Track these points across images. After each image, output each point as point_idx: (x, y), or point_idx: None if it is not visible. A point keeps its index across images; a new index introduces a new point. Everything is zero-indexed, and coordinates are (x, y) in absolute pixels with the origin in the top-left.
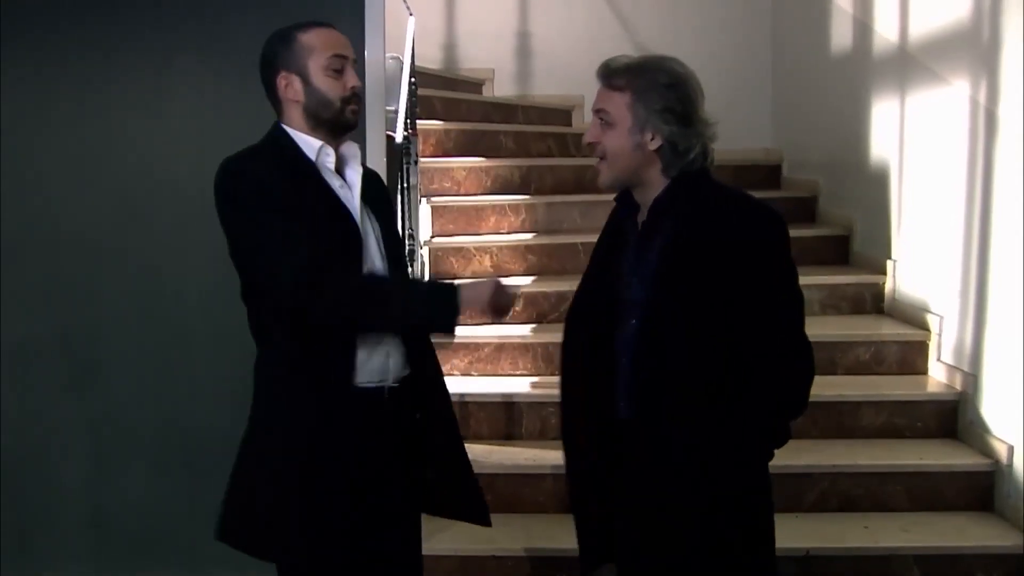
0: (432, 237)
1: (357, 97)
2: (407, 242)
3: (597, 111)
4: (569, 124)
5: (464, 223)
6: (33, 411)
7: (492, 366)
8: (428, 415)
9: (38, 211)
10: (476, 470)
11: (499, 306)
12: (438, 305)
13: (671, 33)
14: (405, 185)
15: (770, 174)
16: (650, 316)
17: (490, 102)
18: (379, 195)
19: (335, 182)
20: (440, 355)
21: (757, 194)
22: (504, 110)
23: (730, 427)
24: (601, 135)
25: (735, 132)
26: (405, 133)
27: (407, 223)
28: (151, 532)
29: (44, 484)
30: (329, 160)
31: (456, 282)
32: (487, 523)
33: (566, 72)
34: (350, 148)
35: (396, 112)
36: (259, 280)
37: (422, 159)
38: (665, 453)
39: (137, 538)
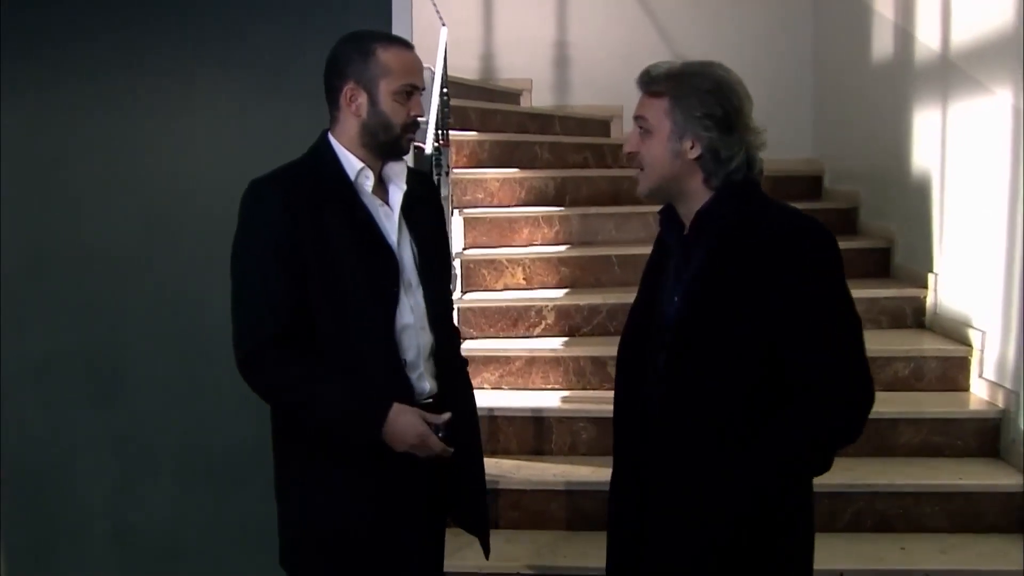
0: (464, 249)
1: (417, 125)
2: None
3: (637, 118)
4: (607, 135)
5: (497, 235)
6: (57, 426)
7: (523, 380)
8: (454, 433)
9: (64, 227)
10: (504, 485)
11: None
12: (358, 428)
13: (710, 42)
14: None
15: (811, 185)
16: (683, 334)
17: (526, 112)
18: (427, 206)
19: (375, 203)
20: (471, 368)
21: (797, 205)
22: (541, 120)
23: (764, 455)
24: (640, 144)
25: (776, 142)
26: (436, 144)
27: None
28: (174, 546)
29: (68, 498)
30: (368, 183)
31: (393, 411)
32: (486, 543)
33: (604, 82)
34: (396, 165)
35: (425, 123)
36: None
37: (455, 170)
38: (690, 479)
39: (160, 552)
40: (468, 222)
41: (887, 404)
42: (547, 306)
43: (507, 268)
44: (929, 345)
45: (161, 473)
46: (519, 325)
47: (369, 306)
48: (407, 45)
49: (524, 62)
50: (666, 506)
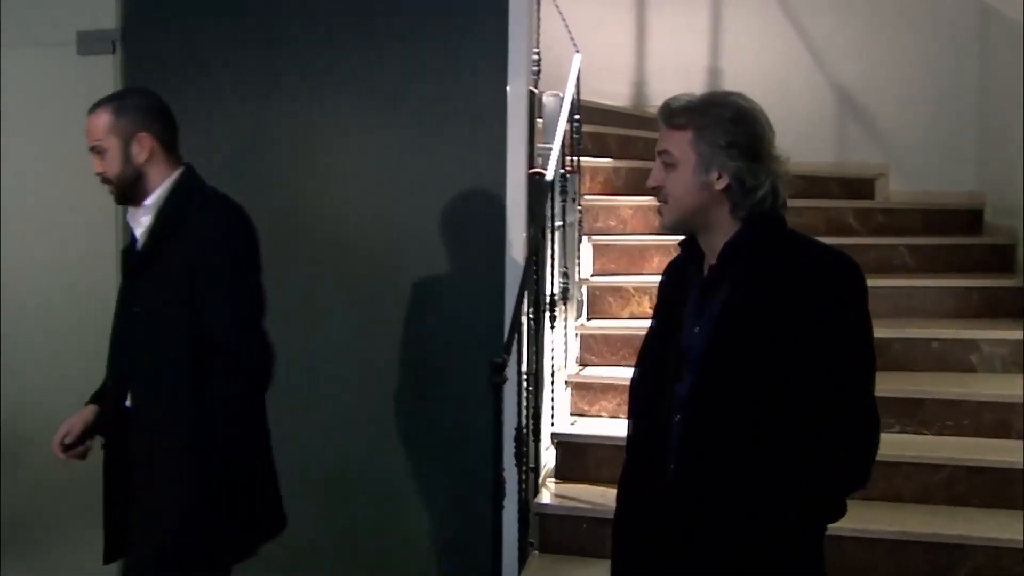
0: (591, 276)
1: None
2: (560, 280)
3: (660, 153)
4: None
5: (626, 262)
6: None
7: None
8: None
9: None
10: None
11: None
12: None
13: (869, 71)
14: (560, 223)
15: (971, 220)
16: (706, 371)
17: None
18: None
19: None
20: (589, 396)
21: (954, 240)
22: None
23: (782, 499)
24: (665, 177)
25: (936, 174)
26: (562, 170)
27: (561, 261)
28: (285, 552)
29: None
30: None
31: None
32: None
33: None
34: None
35: (549, 149)
36: None
37: (588, 196)
38: (707, 523)
39: (270, 558)
40: (597, 249)
41: (1018, 454)
42: None
43: (633, 296)
44: None
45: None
46: None
47: None
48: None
49: (675, 89)
50: (677, 556)
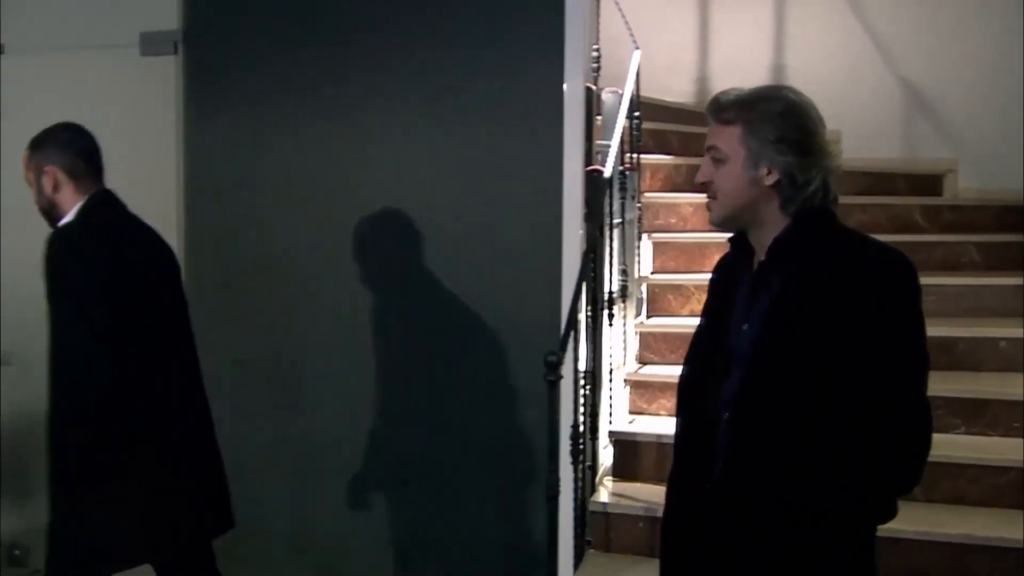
0: (651, 273)
1: None
2: (619, 277)
3: (709, 148)
4: None
5: (686, 260)
6: (243, 427)
7: None
8: None
9: (253, 242)
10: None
11: None
12: None
13: (937, 65)
14: (618, 220)
15: None
16: (755, 368)
17: None
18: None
19: None
20: (647, 394)
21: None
22: None
23: (831, 499)
24: (713, 173)
25: (1006, 170)
26: (621, 168)
27: (619, 258)
28: (345, 548)
29: (251, 496)
30: None
31: None
32: None
33: (822, 107)
34: None
35: (607, 146)
36: None
37: (648, 194)
38: (755, 522)
39: (332, 553)
40: (657, 246)
41: None
42: None
43: (693, 294)
44: None
45: (336, 477)
46: None
47: None
48: None
49: (739, 85)
50: (733, 534)
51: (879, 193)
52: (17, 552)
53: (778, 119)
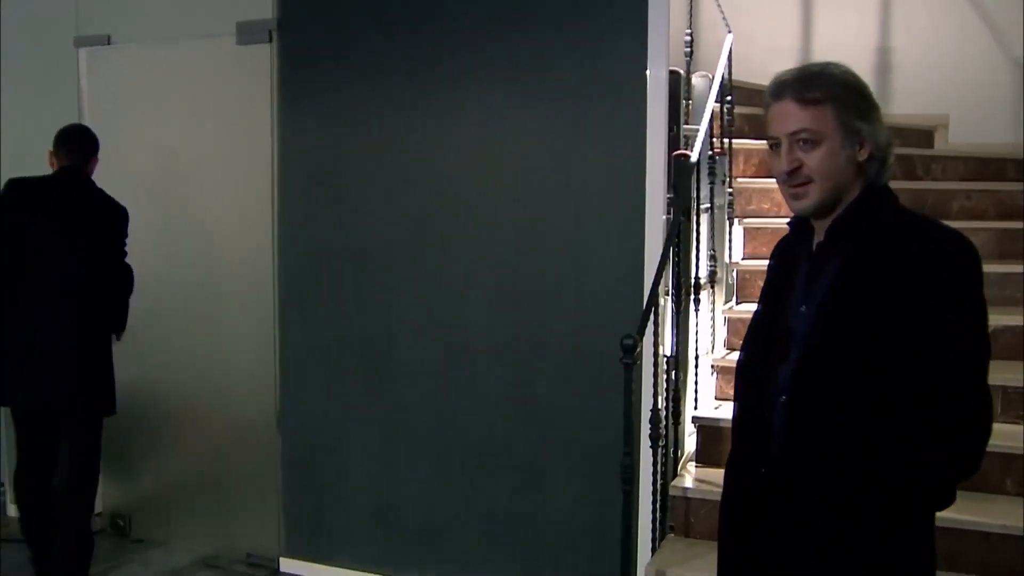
0: (742, 259)
1: None
2: (709, 263)
3: (793, 133)
4: (930, 145)
5: None
6: (332, 407)
7: None
8: None
9: (344, 226)
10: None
11: None
12: None
13: None
14: (707, 206)
15: None
16: (813, 349)
17: None
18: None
19: None
20: (734, 380)
21: None
22: None
23: (888, 484)
24: (804, 157)
25: None
26: (710, 152)
27: (708, 244)
28: (428, 529)
29: (339, 475)
30: None
31: None
32: None
33: (929, 90)
34: None
35: (695, 131)
36: None
37: (741, 179)
38: (811, 506)
39: (415, 533)
40: (748, 232)
41: None
42: None
43: None
44: None
45: (420, 458)
46: None
47: None
48: None
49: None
50: (780, 543)
51: (986, 178)
52: (120, 522)
53: (856, 95)
